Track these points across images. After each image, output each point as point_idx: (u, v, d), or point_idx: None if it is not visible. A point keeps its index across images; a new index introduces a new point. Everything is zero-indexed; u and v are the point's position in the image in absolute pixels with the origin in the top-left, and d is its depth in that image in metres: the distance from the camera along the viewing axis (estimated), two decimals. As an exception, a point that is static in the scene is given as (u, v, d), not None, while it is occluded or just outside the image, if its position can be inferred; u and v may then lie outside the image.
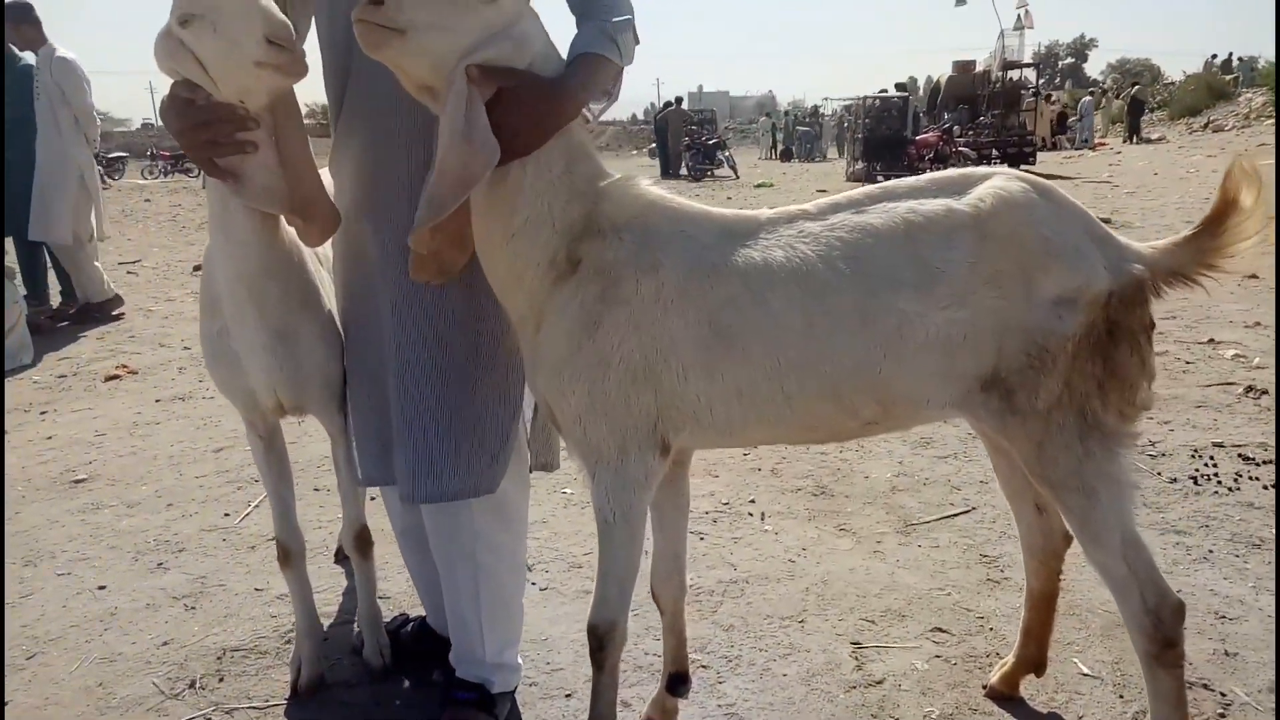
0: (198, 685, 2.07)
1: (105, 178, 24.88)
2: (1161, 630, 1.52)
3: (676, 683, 1.89)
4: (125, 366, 5.07)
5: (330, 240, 1.82)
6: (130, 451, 3.65)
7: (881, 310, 1.50)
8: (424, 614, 2.19)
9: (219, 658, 2.17)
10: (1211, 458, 3.14)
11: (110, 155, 26.14)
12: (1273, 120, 19.61)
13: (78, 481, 3.32)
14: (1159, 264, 1.55)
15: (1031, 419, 1.51)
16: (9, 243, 6.13)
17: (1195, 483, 2.96)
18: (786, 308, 1.51)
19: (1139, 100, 22.63)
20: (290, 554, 2.03)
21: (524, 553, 1.96)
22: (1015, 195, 1.52)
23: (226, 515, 2.99)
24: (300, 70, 1.54)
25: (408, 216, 1.60)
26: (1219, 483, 2.94)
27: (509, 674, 1.92)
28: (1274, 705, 1.88)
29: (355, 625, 2.22)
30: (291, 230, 1.78)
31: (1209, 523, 2.68)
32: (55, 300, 6.53)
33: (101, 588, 2.52)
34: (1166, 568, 2.43)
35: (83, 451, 3.66)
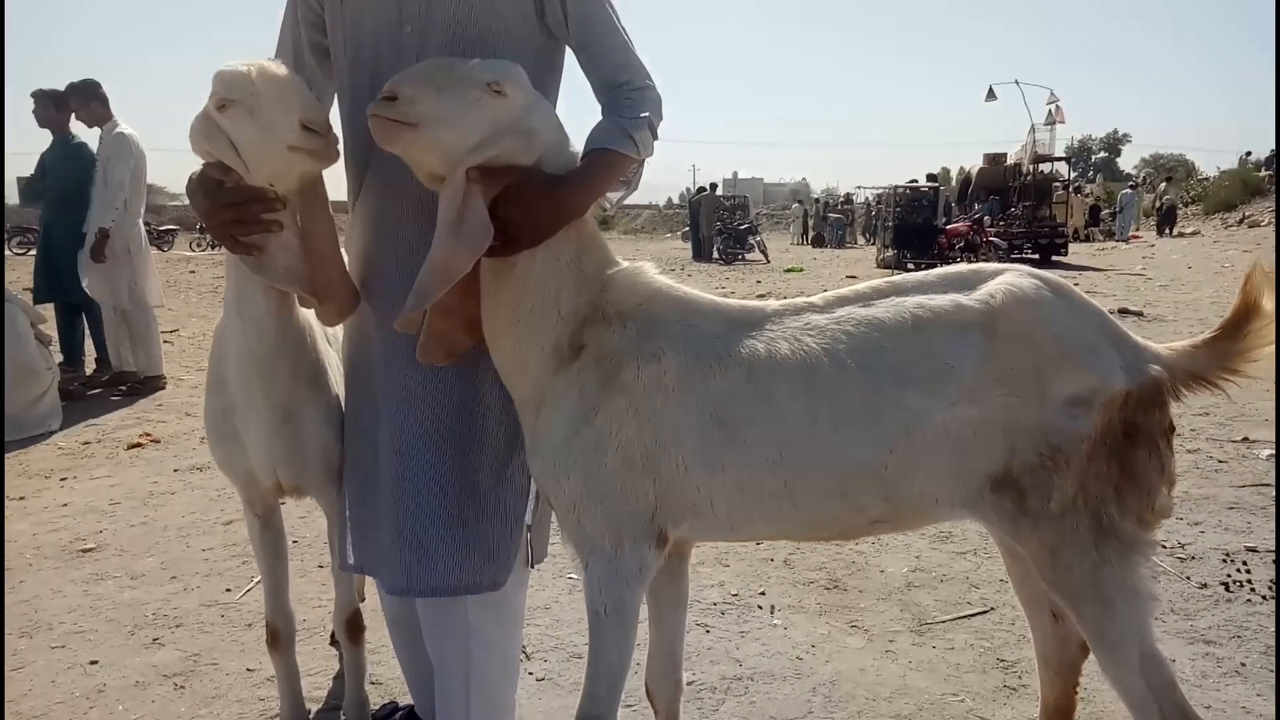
0: (178, 772, 2.01)
1: (157, 248, 25.57)
2: (1182, 754, 1.42)
3: (670, 788, 1.80)
4: (149, 435, 5.11)
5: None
6: (142, 521, 3.65)
7: (888, 406, 1.46)
8: (412, 703, 2.11)
9: (202, 742, 2.11)
10: (1245, 563, 3.00)
11: (162, 228, 26.94)
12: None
13: (85, 551, 3.31)
14: (1178, 366, 1.51)
15: (1044, 522, 1.46)
16: (49, 308, 6.28)
17: (1227, 589, 2.83)
18: (791, 401, 1.48)
19: (1171, 207, 22.52)
20: (279, 636, 1.99)
21: (518, 649, 1.88)
22: (1027, 292, 1.49)
23: (228, 590, 2.96)
24: (333, 156, 1.58)
25: (402, 302, 1.57)
26: (1253, 590, 2.81)
27: None
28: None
29: (342, 715, 2.15)
30: (306, 310, 1.78)
31: (1241, 633, 2.55)
32: (90, 366, 6.65)
33: (94, 663, 2.48)
34: (1195, 680, 2.30)
35: (95, 520, 3.66)
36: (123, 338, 6.37)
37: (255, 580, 3.03)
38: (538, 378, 1.58)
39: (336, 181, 1.81)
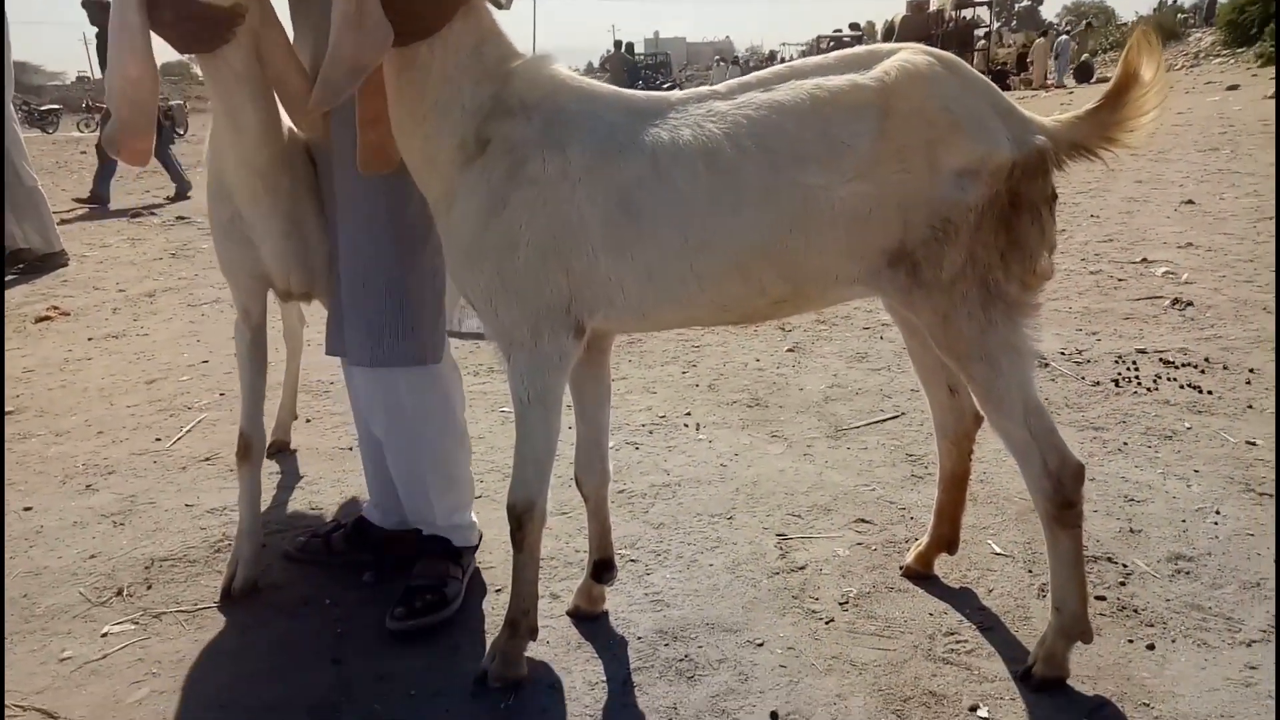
0: (125, 593, 2.06)
1: (41, 129, 24.02)
2: (1062, 492, 1.57)
3: (602, 569, 1.92)
4: (57, 308, 4.94)
5: None
6: (60, 385, 3.58)
7: (786, 185, 1.51)
8: (359, 514, 2.19)
9: (147, 567, 2.16)
10: (1134, 363, 3.22)
11: (44, 108, 25.18)
12: (1219, 60, 19.85)
13: (3, 414, 3.26)
14: (1061, 136, 1.57)
15: (936, 291, 1.54)
16: None
17: (1116, 385, 3.04)
18: (692, 185, 1.51)
19: (1087, 66, 22.61)
20: (251, 448, 2.07)
21: (463, 423, 2.05)
22: (920, 68, 1.52)
23: (158, 440, 2.96)
24: None
25: (348, 110, 1.66)
26: (1139, 384, 3.03)
27: (466, 532, 2.05)
28: (1169, 574, 1.96)
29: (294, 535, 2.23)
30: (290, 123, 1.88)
31: (1126, 419, 2.77)
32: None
33: (27, 509, 2.48)
34: (1082, 459, 2.50)
35: (10, 387, 3.58)
36: (12, 216, 6.05)
37: (185, 429, 3.04)
38: (447, 174, 1.59)
39: None
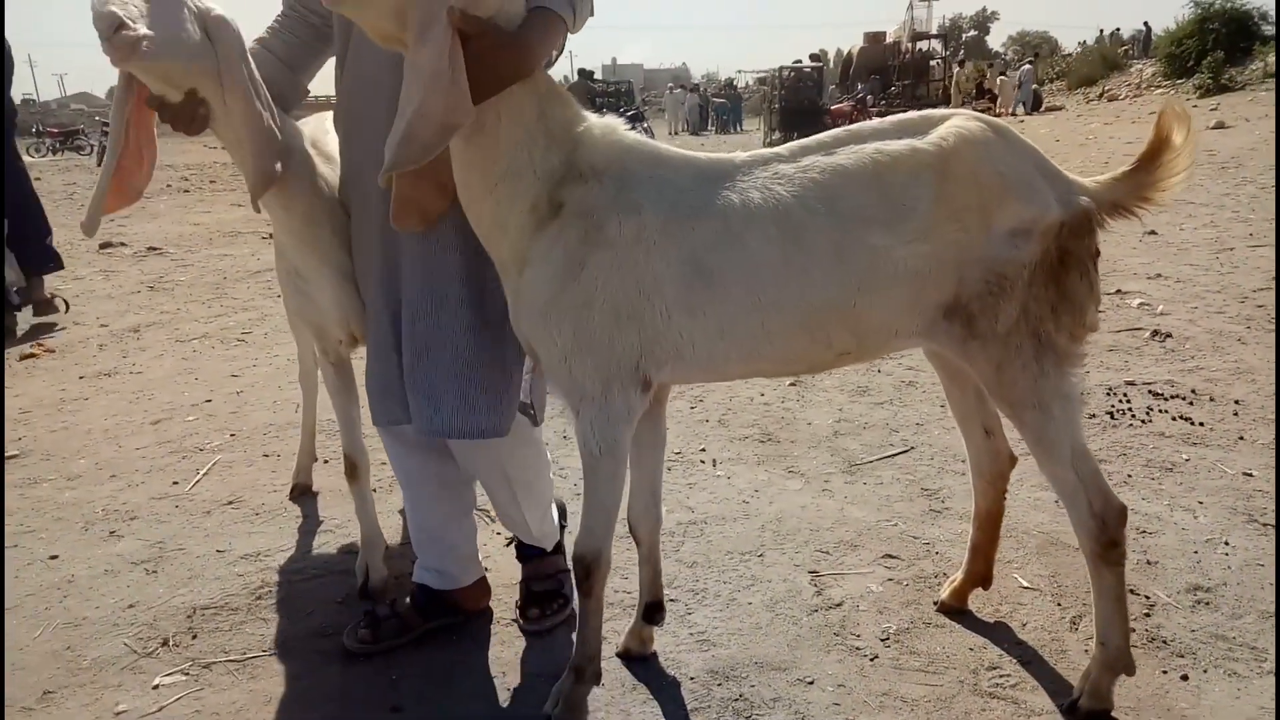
0: (171, 643, 2.05)
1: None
2: (1107, 532, 1.66)
3: (653, 611, 1.97)
4: (42, 345, 4.85)
5: None
6: (62, 426, 3.53)
7: (855, 246, 1.59)
8: (416, 584, 2.12)
9: (189, 616, 2.16)
10: (1125, 395, 3.36)
11: (-10, 131, 24.59)
12: (1161, 90, 20.59)
13: (8, 458, 3.20)
14: (1102, 197, 1.67)
15: (991, 343, 1.63)
16: None
17: (1111, 417, 3.17)
18: (765, 246, 1.58)
19: (1036, 95, 23.43)
20: (358, 468, 2.23)
21: (543, 450, 2.14)
22: (974, 134, 1.62)
23: (175, 483, 2.94)
24: (139, 50, 1.55)
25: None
26: (1133, 416, 3.17)
27: (553, 532, 2.21)
28: (1190, 604, 2.07)
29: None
30: (333, 179, 1.96)
31: (1126, 451, 2.89)
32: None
33: (54, 557, 2.46)
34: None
35: (10, 429, 3.52)
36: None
37: (201, 472, 3.02)
38: (517, 239, 1.63)
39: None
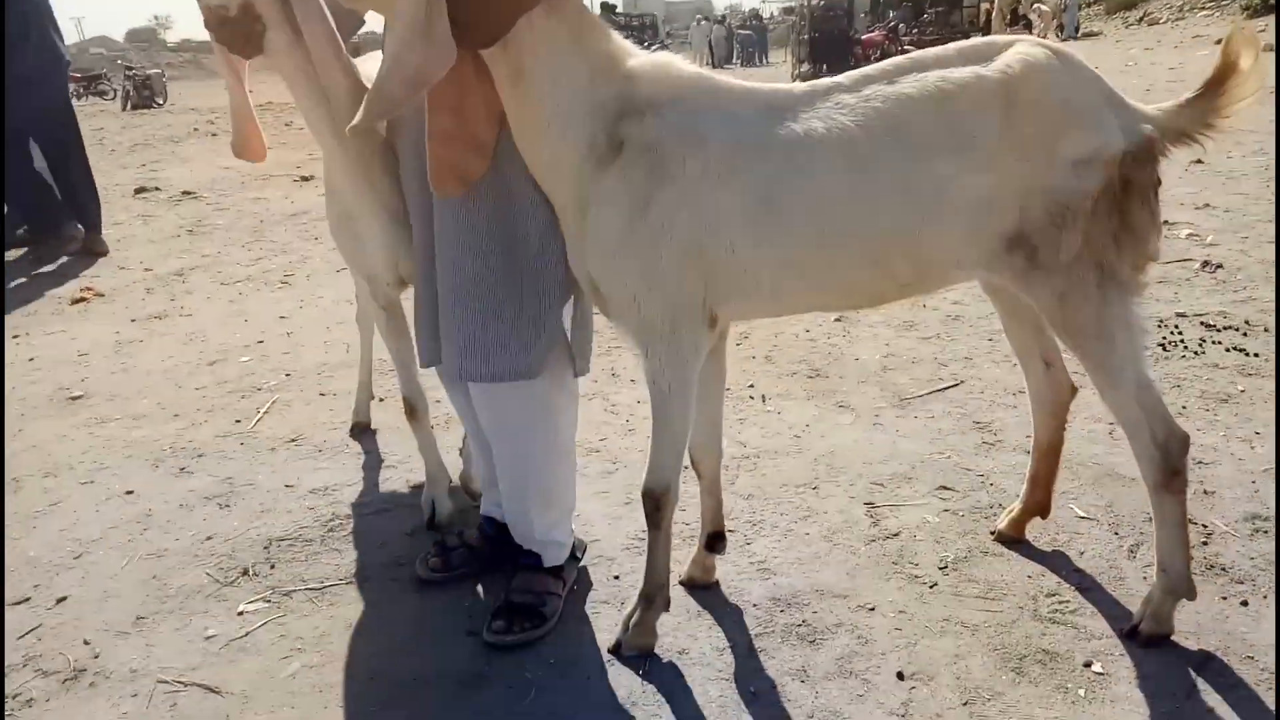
0: (251, 572, 2.14)
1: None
2: (1169, 461, 1.67)
3: (715, 540, 2.01)
4: (91, 289, 4.95)
5: None
6: (121, 368, 3.62)
7: (920, 176, 1.58)
8: (484, 516, 2.18)
9: (265, 547, 2.24)
10: (1177, 326, 3.34)
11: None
12: (1205, 12, 19.85)
13: (74, 398, 3.30)
14: (1166, 125, 1.64)
15: (1054, 273, 1.62)
16: None
17: (1164, 349, 3.15)
18: (830, 177, 1.58)
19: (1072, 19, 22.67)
20: (416, 409, 2.29)
21: (570, 441, 2.00)
22: (1040, 61, 1.59)
23: (238, 422, 3.02)
24: None
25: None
26: (1185, 348, 3.15)
27: (558, 549, 1.99)
28: (1248, 533, 2.08)
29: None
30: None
31: (1180, 383, 2.88)
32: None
33: (129, 492, 2.55)
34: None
35: (71, 370, 3.62)
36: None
37: (262, 410, 3.10)
38: (578, 180, 1.63)
39: None
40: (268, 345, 3.82)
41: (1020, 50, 1.62)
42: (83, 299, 4.79)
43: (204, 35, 1.82)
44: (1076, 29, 22.04)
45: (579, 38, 1.59)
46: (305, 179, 8.50)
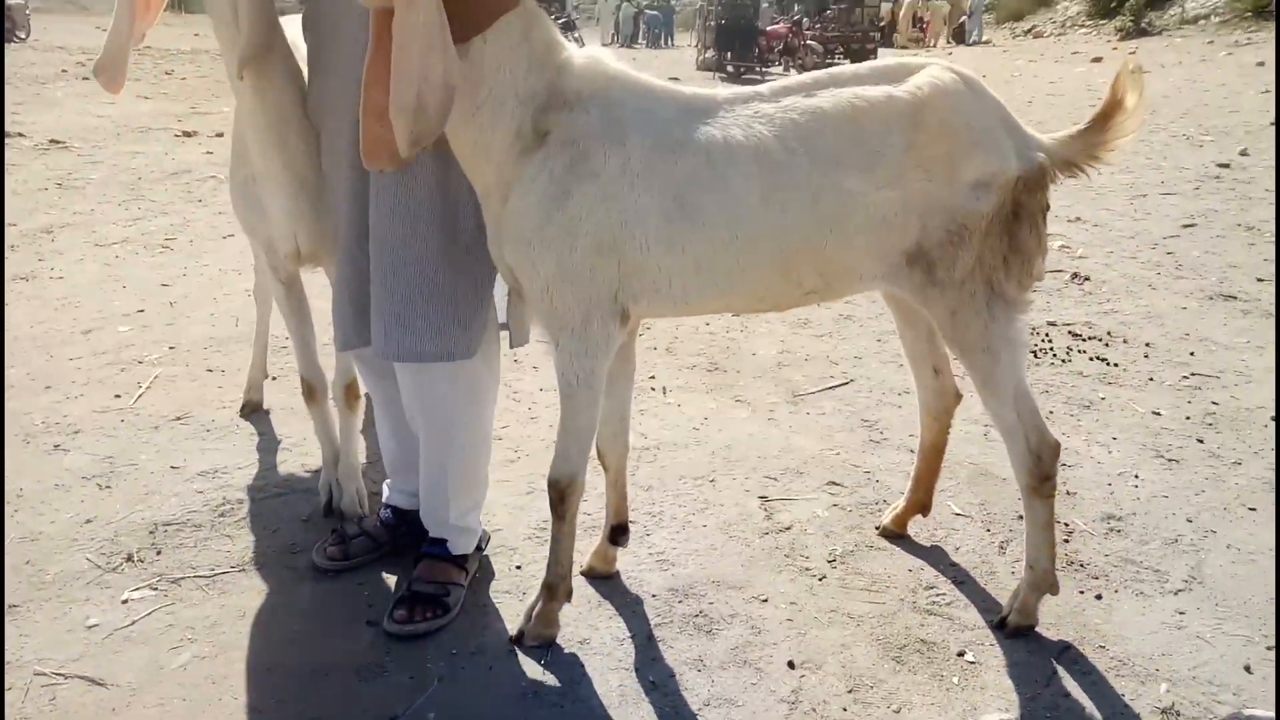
0: (135, 559, 2.06)
1: None
2: (1042, 466, 1.81)
3: (618, 533, 2.06)
4: (-53, 243, 4.59)
5: None
6: (-16, 333, 3.39)
7: (830, 189, 1.65)
8: (385, 504, 2.17)
9: (151, 532, 2.16)
10: (1048, 335, 3.57)
11: None
12: (1084, 30, 21.00)
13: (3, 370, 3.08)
14: (1056, 153, 1.77)
15: (948, 289, 1.73)
16: None
17: (1035, 356, 3.37)
18: (745, 185, 1.63)
19: (961, 25, 23.50)
20: (315, 390, 2.22)
21: (491, 424, 2.02)
22: (947, 84, 1.69)
23: (117, 396, 2.88)
24: None
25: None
26: (1054, 355, 3.37)
27: (468, 537, 2.00)
28: (1104, 532, 2.27)
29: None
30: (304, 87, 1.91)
31: (1049, 389, 3.09)
32: None
33: (-4, 469, 2.41)
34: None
35: (-75, 333, 3.36)
36: None
37: (143, 386, 2.96)
38: (502, 164, 1.63)
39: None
40: (149, 315, 3.64)
41: (930, 73, 1.71)
42: (-63, 254, 4.44)
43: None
44: (980, 37, 22.90)
45: (529, 28, 1.59)
46: (188, 134, 8.08)
